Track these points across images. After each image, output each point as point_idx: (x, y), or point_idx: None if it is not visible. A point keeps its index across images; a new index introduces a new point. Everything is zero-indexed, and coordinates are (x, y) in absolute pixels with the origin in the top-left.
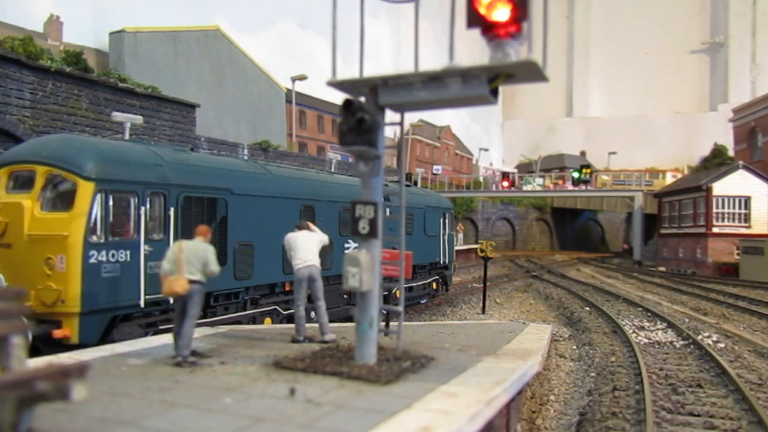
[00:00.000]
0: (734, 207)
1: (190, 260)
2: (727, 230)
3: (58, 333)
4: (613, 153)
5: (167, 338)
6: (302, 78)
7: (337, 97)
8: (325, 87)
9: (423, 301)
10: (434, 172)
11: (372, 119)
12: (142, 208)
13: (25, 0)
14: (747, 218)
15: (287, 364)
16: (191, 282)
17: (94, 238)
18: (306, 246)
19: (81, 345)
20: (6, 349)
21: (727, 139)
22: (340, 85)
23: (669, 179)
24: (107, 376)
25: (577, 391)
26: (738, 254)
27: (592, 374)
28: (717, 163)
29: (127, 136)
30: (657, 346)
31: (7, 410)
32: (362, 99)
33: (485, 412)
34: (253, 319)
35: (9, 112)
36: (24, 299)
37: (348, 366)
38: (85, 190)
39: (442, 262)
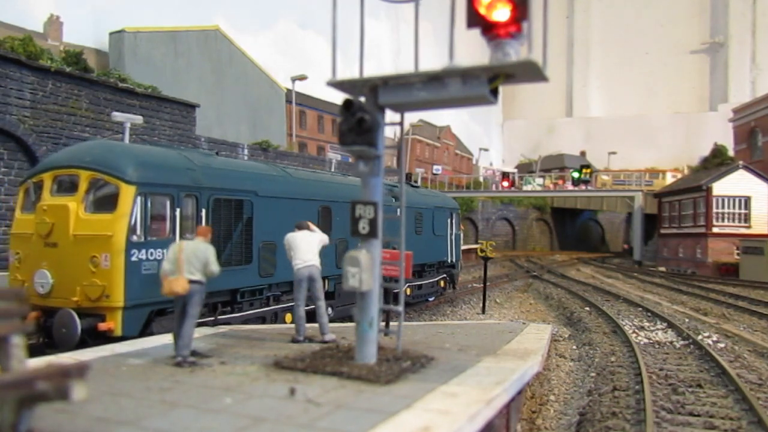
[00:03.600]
0: (734, 207)
1: (190, 260)
2: (727, 230)
3: (103, 326)
4: (613, 153)
5: (167, 338)
6: (302, 78)
7: (337, 97)
8: (325, 87)
9: (431, 299)
10: (434, 172)
11: (372, 119)
12: (177, 210)
13: (25, 0)
14: (747, 218)
15: (287, 364)
16: (191, 282)
17: (135, 238)
18: (306, 246)
19: (124, 337)
20: (6, 349)
21: (727, 139)
22: (340, 85)
23: (669, 179)
24: (107, 376)
25: (577, 391)
26: (738, 254)
27: (592, 374)
28: (717, 163)
29: (127, 136)
30: (657, 346)
31: (7, 410)
32: (362, 99)
33: (485, 412)
34: (275, 315)
35: (9, 112)
36: (24, 299)
37: (348, 366)
38: (127, 193)
39: (449, 261)
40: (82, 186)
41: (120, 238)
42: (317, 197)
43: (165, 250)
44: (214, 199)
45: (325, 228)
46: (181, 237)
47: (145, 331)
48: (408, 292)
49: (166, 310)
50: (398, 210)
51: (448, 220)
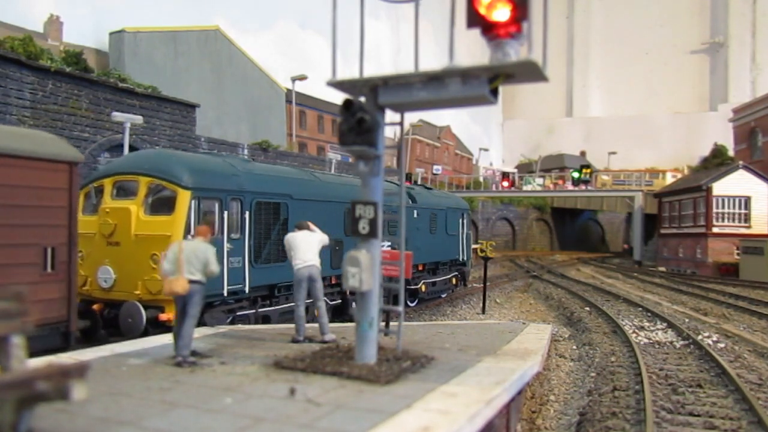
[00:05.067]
0: (734, 207)
1: (191, 260)
2: (727, 230)
3: (163, 316)
4: (613, 153)
5: (167, 338)
6: (302, 78)
7: (337, 97)
8: (325, 87)
9: (443, 296)
10: (434, 172)
11: (372, 119)
12: (225, 212)
13: (25, 0)
14: (747, 218)
15: (287, 364)
16: (191, 282)
17: (190, 237)
18: (306, 246)
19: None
20: (6, 349)
21: (727, 139)
22: (340, 85)
23: (669, 179)
24: (107, 376)
25: (577, 391)
26: (738, 254)
27: (592, 374)
28: (717, 163)
29: (127, 136)
30: (657, 346)
31: (7, 410)
32: (362, 99)
33: (485, 412)
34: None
35: (9, 112)
36: (24, 299)
37: (348, 366)
38: (183, 197)
39: (461, 259)
40: (142, 191)
41: (178, 237)
42: (343, 199)
43: (215, 250)
44: (256, 202)
45: (349, 228)
46: (228, 237)
47: (198, 322)
48: (423, 289)
49: (214, 303)
50: (415, 211)
51: (460, 220)
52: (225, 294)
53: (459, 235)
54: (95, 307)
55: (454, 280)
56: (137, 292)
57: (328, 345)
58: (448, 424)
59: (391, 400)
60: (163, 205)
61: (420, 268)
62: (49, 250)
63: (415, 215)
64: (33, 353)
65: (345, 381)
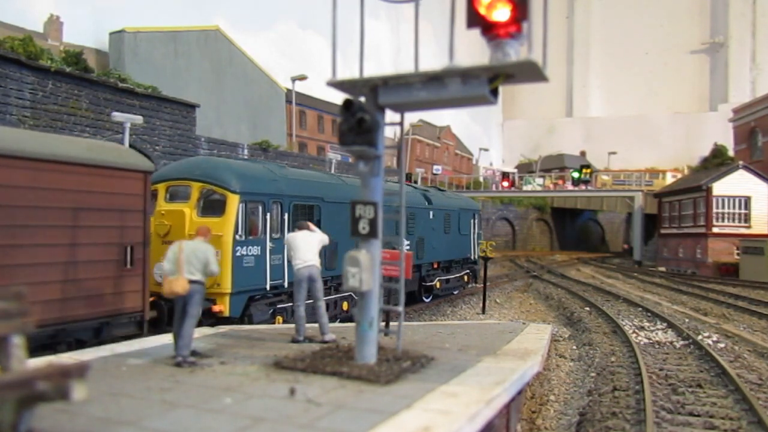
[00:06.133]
0: (734, 207)
1: (190, 260)
2: (727, 230)
3: (215, 308)
4: (613, 153)
5: (167, 338)
6: (302, 78)
7: (337, 97)
8: (325, 87)
9: (456, 292)
10: (434, 172)
11: (372, 119)
12: (267, 214)
13: (25, 0)
14: (747, 218)
15: (287, 364)
16: (191, 282)
17: (238, 237)
18: (306, 246)
19: (229, 319)
20: (6, 349)
21: (727, 139)
22: (340, 85)
23: (669, 179)
24: (107, 376)
25: (577, 391)
26: (738, 254)
27: (592, 374)
28: (717, 163)
29: (127, 136)
30: (657, 346)
31: (7, 410)
32: (362, 99)
33: (485, 412)
34: (335, 303)
35: (9, 112)
36: (24, 299)
37: (348, 366)
38: (233, 200)
39: (472, 258)
40: (194, 195)
41: (228, 237)
42: None
43: (259, 248)
44: (293, 205)
45: None
46: (270, 236)
47: (244, 313)
48: (438, 286)
49: (257, 297)
50: (431, 212)
51: (471, 221)
52: (267, 288)
53: (471, 235)
54: (152, 299)
55: (466, 278)
56: None
57: (328, 345)
58: (448, 424)
59: (391, 400)
60: (214, 207)
61: (435, 266)
62: (129, 249)
63: (431, 216)
64: (115, 339)
65: (345, 381)
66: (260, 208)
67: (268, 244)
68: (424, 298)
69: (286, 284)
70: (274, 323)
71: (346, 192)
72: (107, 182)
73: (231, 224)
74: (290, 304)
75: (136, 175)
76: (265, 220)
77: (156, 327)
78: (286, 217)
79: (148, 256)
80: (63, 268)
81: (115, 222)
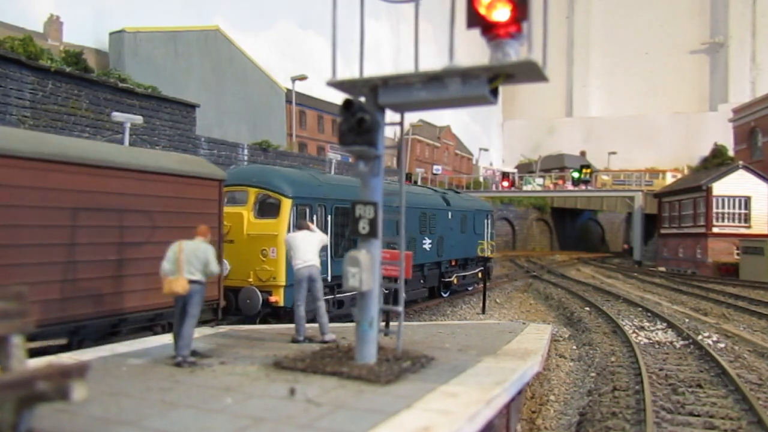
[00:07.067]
0: (734, 207)
1: (190, 260)
2: (727, 230)
3: (271, 299)
4: (613, 153)
5: (167, 338)
6: (302, 78)
7: (337, 97)
8: (325, 87)
9: (470, 288)
10: (434, 172)
11: (372, 119)
12: (314, 216)
13: (25, 0)
14: (747, 218)
15: (287, 364)
16: (191, 282)
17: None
18: (305, 246)
19: (284, 308)
20: (6, 349)
21: (727, 139)
22: (340, 85)
23: (669, 179)
24: (107, 376)
25: (577, 391)
26: (738, 254)
27: (592, 374)
28: (717, 163)
29: (127, 136)
30: (657, 346)
31: (7, 410)
32: (362, 99)
33: (485, 412)
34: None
35: (9, 112)
36: (24, 299)
37: (348, 366)
38: (286, 204)
39: (486, 256)
40: (251, 199)
41: (282, 236)
42: (393, 204)
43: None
44: (335, 207)
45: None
46: None
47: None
48: (455, 282)
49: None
50: (449, 213)
51: (485, 221)
52: None
53: (485, 234)
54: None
55: (480, 275)
56: (249, 279)
57: (328, 345)
58: (448, 424)
59: (391, 400)
60: (269, 210)
61: (453, 263)
62: None
63: (449, 217)
64: (201, 322)
65: (345, 381)
66: (308, 211)
67: None
68: (442, 293)
69: (329, 278)
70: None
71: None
72: (191, 189)
73: (285, 225)
74: (330, 296)
75: (212, 183)
76: (313, 221)
77: (226, 314)
78: (329, 218)
79: (222, 253)
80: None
81: (198, 223)
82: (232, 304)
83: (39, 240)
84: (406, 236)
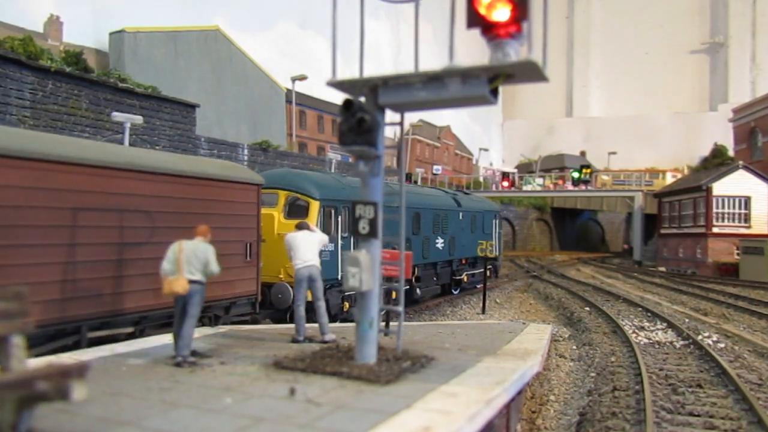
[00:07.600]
0: (734, 207)
1: (190, 260)
2: (727, 230)
3: None
4: (613, 153)
5: (167, 338)
6: (302, 78)
7: (337, 97)
8: (325, 87)
9: (478, 286)
10: (434, 172)
11: (372, 119)
12: (339, 217)
13: (25, 0)
14: (747, 218)
15: (287, 364)
16: (191, 282)
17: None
18: (306, 246)
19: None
20: (6, 349)
21: (727, 139)
22: (340, 85)
23: (669, 179)
24: (107, 376)
25: (577, 391)
26: (738, 254)
27: (592, 374)
28: (717, 163)
29: (127, 136)
30: (657, 346)
31: (7, 410)
32: (362, 99)
33: (485, 412)
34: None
35: (9, 112)
36: (24, 299)
37: (348, 366)
38: (314, 206)
39: (494, 255)
40: (281, 201)
41: None
42: (412, 205)
43: (333, 245)
44: None
45: (415, 228)
46: (341, 236)
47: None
48: (465, 279)
49: (332, 285)
50: (460, 213)
51: (494, 221)
52: (339, 278)
53: (493, 234)
54: None
55: (488, 273)
56: (280, 276)
57: (328, 345)
58: (448, 424)
59: (391, 400)
60: (298, 211)
61: (463, 261)
62: (248, 245)
63: (460, 217)
64: (239, 316)
65: (345, 381)
66: (333, 212)
67: (340, 242)
68: (453, 290)
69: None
70: (343, 307)
71: (393, 197)
72: (233, 193)
73: (313, 225)
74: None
75: (251, 187)
76: (337, 222)
77: (262, 307)
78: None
79: (260, 252)
80: None
81: (239, 224)
82: (266, 298)
83: (117, 239)
84: (421, 236)
